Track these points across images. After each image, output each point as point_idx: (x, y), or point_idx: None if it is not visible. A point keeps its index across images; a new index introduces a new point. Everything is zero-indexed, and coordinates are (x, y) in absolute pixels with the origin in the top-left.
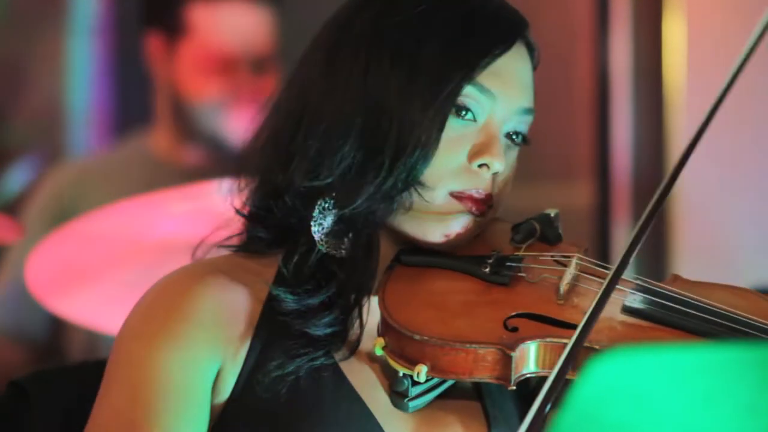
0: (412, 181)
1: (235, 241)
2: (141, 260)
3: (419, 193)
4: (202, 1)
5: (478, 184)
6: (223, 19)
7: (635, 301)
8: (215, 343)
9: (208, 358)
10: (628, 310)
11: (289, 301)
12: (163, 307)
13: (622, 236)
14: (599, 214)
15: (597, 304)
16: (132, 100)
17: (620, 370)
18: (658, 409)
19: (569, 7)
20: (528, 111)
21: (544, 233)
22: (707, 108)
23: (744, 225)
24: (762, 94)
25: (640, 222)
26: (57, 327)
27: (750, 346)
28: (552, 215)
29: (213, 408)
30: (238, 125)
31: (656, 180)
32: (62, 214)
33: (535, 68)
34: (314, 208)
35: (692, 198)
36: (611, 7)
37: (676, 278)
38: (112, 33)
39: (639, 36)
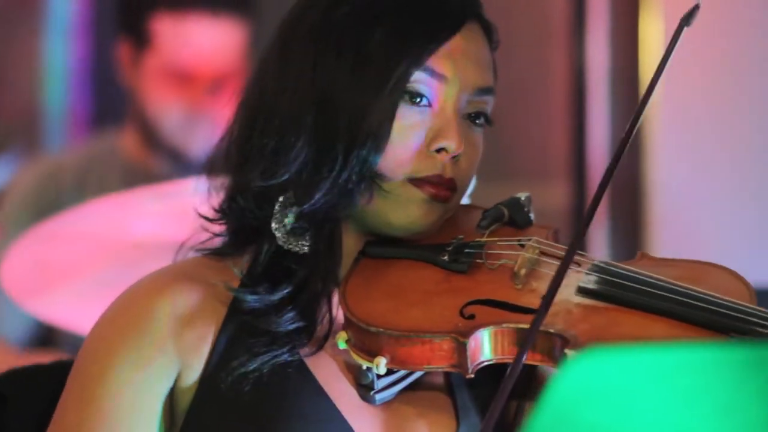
0: (367, 172)
1: (210, 244)
2: (116, 259)
3: (378, 184)
4: (167, 14)
5: (438, 169)
6: (187, 34)
7: (590, 281)
8: (172, 354)
9: (162, 372)
10: (583, 291)
11: (250, 300)
12: (119, 325)
13: (598, 236)
14: (575, 214)
15: (549, 289)
16: (108, 100)
17: (595, 370)
18: (633, 409)
19: (546, 7)
20: (486, 91)
21: (513, 218)
22: (681, 108)
23: (722, 221)
24: (740, 91)
25: (590, 204)
26: (42, 327)
27: (727, 345)
28: (522, 199)
29: (178, 409)
30: (198, 140)
31: (632, 180)
32: (36, 210)
33: (495, 48)
34: (273, 207)
35: (669, 194)
36: (588, 6)
37: (643, 256)
38: (88, 34)
39: (616, 36)
